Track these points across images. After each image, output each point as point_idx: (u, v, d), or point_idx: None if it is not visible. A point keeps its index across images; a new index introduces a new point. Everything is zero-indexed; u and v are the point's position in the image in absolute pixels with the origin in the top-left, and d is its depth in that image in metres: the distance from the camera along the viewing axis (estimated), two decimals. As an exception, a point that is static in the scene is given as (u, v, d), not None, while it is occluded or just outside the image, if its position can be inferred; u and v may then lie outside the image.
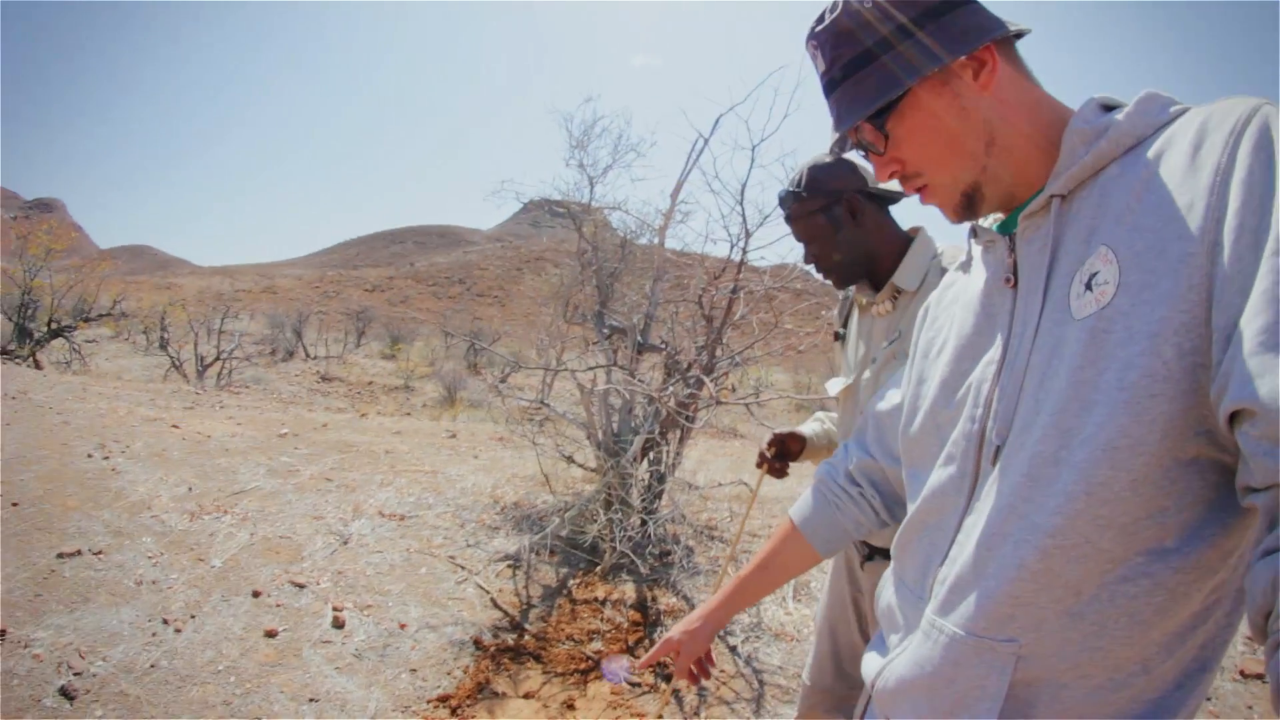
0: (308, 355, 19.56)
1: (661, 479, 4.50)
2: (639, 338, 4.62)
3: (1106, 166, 0.76)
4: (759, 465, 1.85)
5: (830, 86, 0.89)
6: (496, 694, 2.72)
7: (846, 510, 1.15)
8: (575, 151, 4.91)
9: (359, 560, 3.58)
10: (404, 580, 3.46)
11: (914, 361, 1.03)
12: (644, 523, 4.22)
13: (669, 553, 4.14)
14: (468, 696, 2.67)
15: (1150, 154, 0.72)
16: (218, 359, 13.35)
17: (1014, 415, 0.77)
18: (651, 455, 4.42)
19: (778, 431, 1.86)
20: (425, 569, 3.62)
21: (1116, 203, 0.72)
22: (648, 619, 3.36)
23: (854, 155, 1.56)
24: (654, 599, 3.54)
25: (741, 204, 4.20)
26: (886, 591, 0.98)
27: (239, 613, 2.94)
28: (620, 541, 3.77)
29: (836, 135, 0.91)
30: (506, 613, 3.27)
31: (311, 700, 2.49)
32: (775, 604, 3.77)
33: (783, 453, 1.84)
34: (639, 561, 3.90)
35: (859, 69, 0.85)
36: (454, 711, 2.59)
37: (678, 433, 4.57)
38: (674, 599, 3.57)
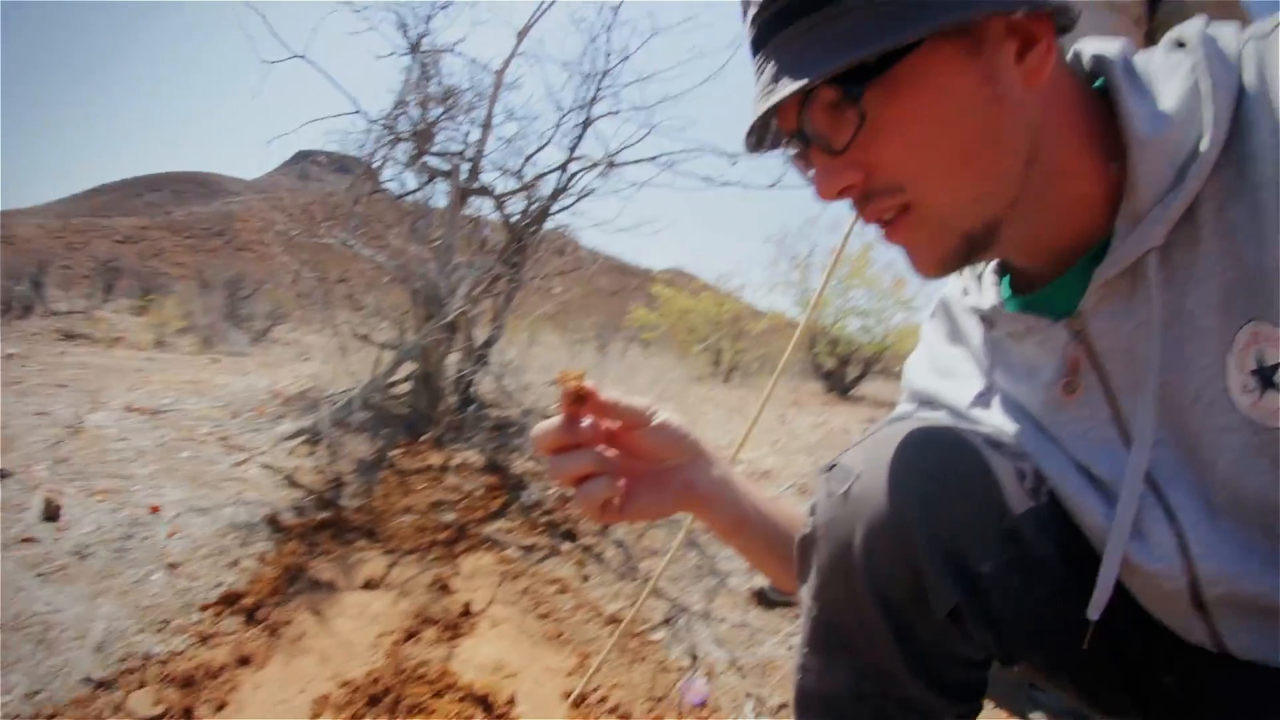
0: (48, 311, 15.76)
1: (488, 343, 3.72)
2: (462, 180, 3.70)
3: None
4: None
5: (778, 20, 0.49)
6: (320, 584, 1.87)
7: None
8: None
9: (94, 447, 2.47)
10: (159, 463, 2.43)
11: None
12: (470, 386, 3.45)
13: (507, 424, 3.41)
14: (272, 592, 1.80)
15: (1250, 147, 0.46)
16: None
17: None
18: (472, 317, 3.60)
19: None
20: (188, 453, 2.59)
21: (1246, 242, 0.46)
22: (508, 483, 2.64)
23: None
24: (508, 461, 2.82)
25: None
26: None
27: None
28: (453, 400, 2.98)
29: (767, 101, 0.49)
30: (310, 490, 2.38)
31: (-21, 633, 1.50)
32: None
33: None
34: (473, 433, 3.15)
35: None
36: (251, 616, 1.72)
37: (502, 297, 3.78)
38: (531, 463, 2.87)
